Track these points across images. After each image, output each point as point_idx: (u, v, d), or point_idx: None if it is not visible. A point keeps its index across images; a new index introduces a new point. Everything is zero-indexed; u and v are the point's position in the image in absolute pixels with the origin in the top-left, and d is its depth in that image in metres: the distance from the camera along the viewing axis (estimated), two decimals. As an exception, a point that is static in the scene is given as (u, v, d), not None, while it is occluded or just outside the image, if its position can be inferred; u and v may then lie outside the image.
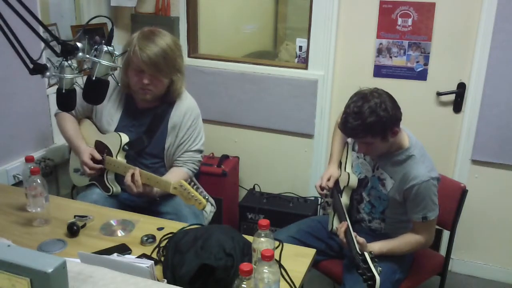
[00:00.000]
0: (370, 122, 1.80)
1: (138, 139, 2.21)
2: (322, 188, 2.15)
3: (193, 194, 1.92)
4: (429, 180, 1.91)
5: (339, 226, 1.96)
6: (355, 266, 1.73)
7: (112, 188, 2.21)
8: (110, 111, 2.23)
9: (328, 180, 2.16)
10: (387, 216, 2.08)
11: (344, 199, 2.11)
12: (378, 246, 1.95)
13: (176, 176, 2.12)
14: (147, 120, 2.22)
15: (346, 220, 1.95)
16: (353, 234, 1.87)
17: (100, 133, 2.26)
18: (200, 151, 2.27)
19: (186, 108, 2.22)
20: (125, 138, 2.18)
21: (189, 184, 1.95)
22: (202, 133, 2.29)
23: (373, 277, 1.65)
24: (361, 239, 1.88)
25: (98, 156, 2.18)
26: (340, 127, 1.94)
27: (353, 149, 2.19)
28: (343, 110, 1.90)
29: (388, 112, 1.82)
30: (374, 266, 1.67)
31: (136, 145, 2.21)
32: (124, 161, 2.19)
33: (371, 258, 1.71)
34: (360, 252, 1.76)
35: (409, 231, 2.04)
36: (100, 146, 2.23)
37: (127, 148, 2.18)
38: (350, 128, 1.85)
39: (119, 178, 2.19)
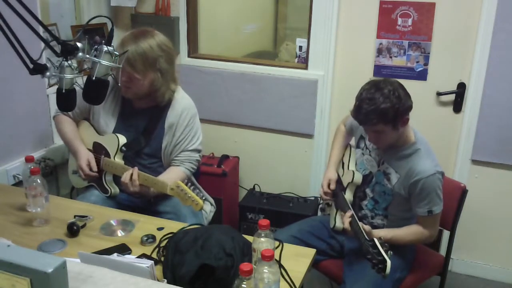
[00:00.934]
0: (384, 108, 1.83)
1: (136, 140, 2.21)
2: (326, 194, 2.18)
3: (190, 195, 1.92)
4: (435, 174, 1.93)
5: (344, 215, 1.96)
6: (364, 253, 1.74)
7: (111, 189, 2.22)
8: (107, 112, 2.23)
9: (329, 184, 2.18)
10: (390, 212, 2.08)
11: (348, 195, 2.13)
12: (383, 233, 1.96)
13: (172, 176, 2.12)
14: (144, 120, 2.22)
15: (351, 210, 1.96)
16: (360, 223, 1.88)
17: (98, 134, 2.26)
18: (198, 151, 2.27)
19: (182, 107, 2.22)
20: (122, 139, 2.19)
21: (186, 184, 1.96)
22: (199, 132, 2.28)
23: (384, 261, 1.64)
24: (367, 227, 1.89)
25: (94, 167, 2.19)
26: (353, 114, 1.95)
27: (357, 147, 2.20)
28: (356, 98, 1.92)
29: (400, 100, 1.85)
30: (384, 251, 1.67)
31: (133, 146, 2.21)
32: (122, 162, 2.19)
33: (380, 243, 1.71)
34: (368, 238, 1.77)
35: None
36: (98, 148, 2.23)
37: (124, 149, 2.19)
38: (364, 113, 1.87)
39: (117, 179, 2.19)
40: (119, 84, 1.90)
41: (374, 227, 2.13)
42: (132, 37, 2.07)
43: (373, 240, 1.73)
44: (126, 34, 2.11)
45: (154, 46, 2.07)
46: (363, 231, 1.84)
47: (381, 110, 1.83)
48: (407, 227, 2.03)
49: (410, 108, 1.91)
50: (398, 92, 1.86)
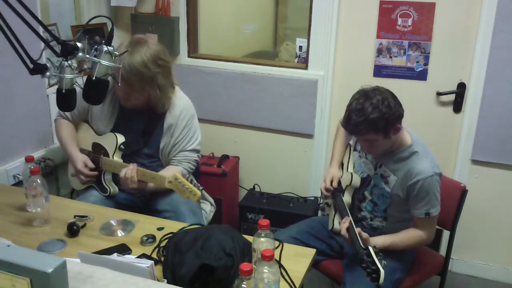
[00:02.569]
0: (373, 118, 1.82)
1: (134, 141, 2.22)
2: (327, 190, 2.16)
3: (187, 186, 1.92)
4: (433, 175, 1.92)
5: (342, 221, 1.96)
6: (359, 260, 1.73)
7: (110, 188, 2.22)
8: (106, 114, 2.23)
9: (331, 181, 2.17)
10: (389, 214, 2.08)
11: (346, 198, 2.12)
12: (381, 240, 1.96)
13: (170, 174, 2.12)
14: (143, 121, 2.22)
15: (348, 216, 1.95)
16: (357, 230, 1.87)
17: (97, 135, 2.26)
18: (196, 151, 2.28)
19: (181, 108, 2.22)
20: (121, 138, 2.19)
21: (185, 178, 1.96)
22: (197, 132, 2.29)
23: (377, 270, 1.64)
24: (365, 234, 1.88)
25: (91, 165, 2.20)
26: (343, 125, 1.95)
27: (355, 149, 2.20)
28: (346, 108, 1.91)
29: (390, 109, 1.84)
30: (379, 260, 1.67)
31: (132, 146, 2.21)
32: (121, 160, 2.19)
33: (375, 252, 1.71)
34: (363, 246, 1.77)
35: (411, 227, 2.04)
36: (97, 148, 2.24)
37: (123, 147, 2.19)
38: (353, 124, 1.86)
39: (116, 178, 2.19)
40: (119, 84, 1.89)
41: (374, 229, 2.13)
42: (129, 49, 1.99)
43: (368, 249, 1.72)
44: (121, 47, 2.02)
45: (149, 63, 2.02)
46: (359, 238, 1.83)
47: (370, 121, 1.82)
48: (404, 231, 2.02)
49: (401, 116, 1.90)
50: (388, 101, 1.84)
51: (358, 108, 1.84)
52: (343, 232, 1.91)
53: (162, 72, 2.09)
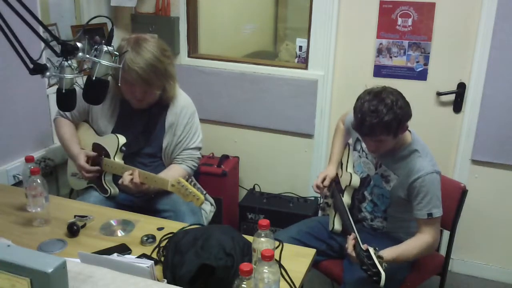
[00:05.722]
0: (388, 120, 1.81)
1: (135, 140, 2.21)
2: (318, 187, 2.16)
3: (190, 191, 1.92)
4: (433, 172, 1.92)
5: (349, 238, 1.89)
6: (360, 263, 1.73)
7: (110, 189, 2.21)
8: (106, 114, 2.23)
9: (324, 180, 2.17)
10: (389, 214, 2.08)
11: (346, 199, 2.12)
12: (387, 253, 1.86)
13: (173, 173, 2.12)
14: (143, 121, 2.22)
15: (354, 232, 1.90)
16: (363, 246, 1.80)
17: (97, 135, 2.26)
18: (199, 148, 2.28)
19: (181, 106, 2.22)
20: (122, 139, 2.19)
21: (187, 181, 1.96)
22: (199, 129, 2.29)
23: (378, 273, 1.64)
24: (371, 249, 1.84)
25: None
26: (355, 127, 1.93)
27: (354, 149, 2.20)
28: (357, 109, 1.89)
29: (403, 110, 1.85)
30: (379, 262, 1.67)
31: (133, 146, 2.21)
32: (122, 162, 2.19)
33: (375, 255, 1.70)
34: (364, 249, 1.76)
35: (412, 231, 2.02)
36: (98, 148, 2.23)
37: (124, 149, 2.19)
38: (368, 126, 1.84)
39: (117, 179, 2.19)
40: (119, 84, 1.89)
41: (374, 229, 2.13)
42: (134, 50, 2.00)
43: (369, 251, 1.71)
44: (126, 48, 2.01)
45: (160, 56, 2.06)
46: (359, 241, 1.82)
47: (385, 122, 1.81)
48: (409, 241, 1.96)
49: (410, 117, 1.90)
50: (400, 102, 1.85)
51: (372, 109, 1.83)
52: (350, 249, 1.85)
53: (171, 62, 2.14)
